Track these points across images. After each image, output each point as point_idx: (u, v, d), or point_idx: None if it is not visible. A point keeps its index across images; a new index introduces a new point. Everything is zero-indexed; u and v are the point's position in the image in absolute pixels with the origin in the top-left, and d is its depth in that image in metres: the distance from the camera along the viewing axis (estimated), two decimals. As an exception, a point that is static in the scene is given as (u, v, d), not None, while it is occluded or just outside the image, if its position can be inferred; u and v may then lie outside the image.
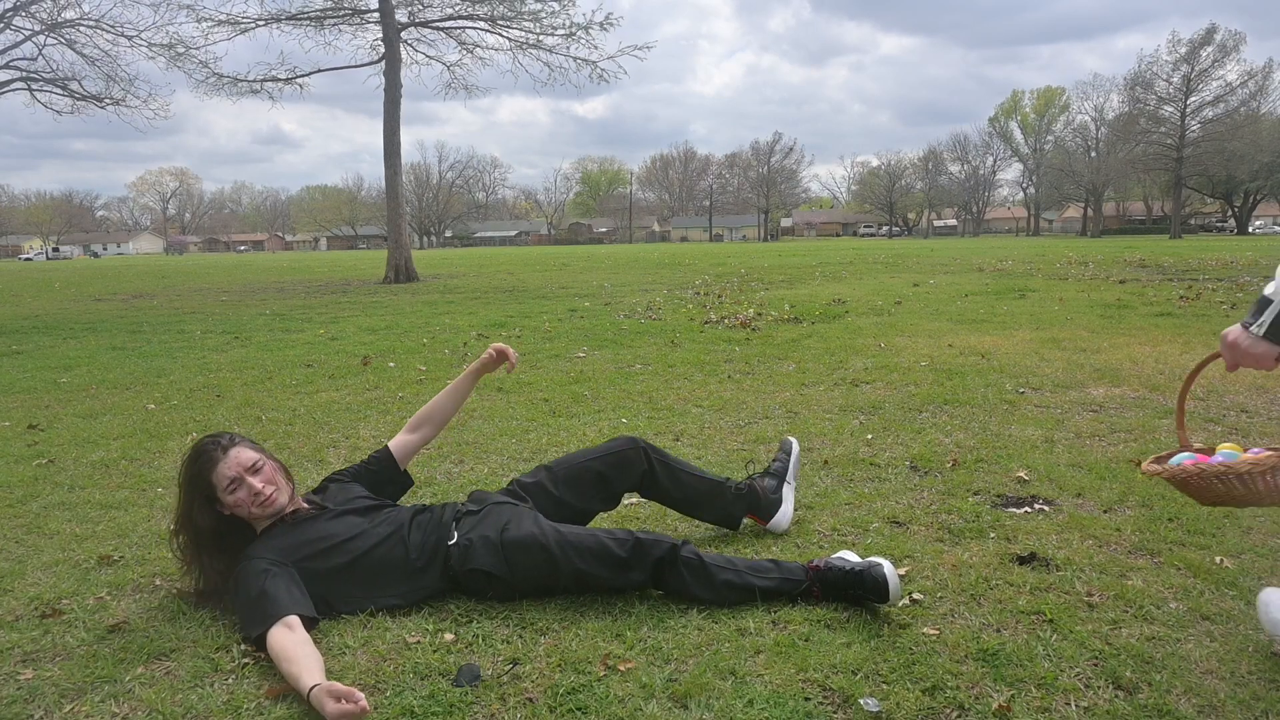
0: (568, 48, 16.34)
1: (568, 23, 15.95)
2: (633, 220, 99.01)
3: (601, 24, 15.81)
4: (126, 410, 4.62)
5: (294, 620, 1.84)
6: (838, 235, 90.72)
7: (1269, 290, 1.53)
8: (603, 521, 2.57)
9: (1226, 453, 1.73)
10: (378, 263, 22.34)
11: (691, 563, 2.00)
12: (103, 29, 15.71)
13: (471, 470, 3.25)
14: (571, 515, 2.27)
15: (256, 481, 2.06)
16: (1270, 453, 1.63)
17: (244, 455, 2.08)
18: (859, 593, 1.96)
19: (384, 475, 2.41)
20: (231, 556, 2.07)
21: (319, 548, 2.04)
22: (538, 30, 16.24)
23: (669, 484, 2.39)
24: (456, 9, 16.37)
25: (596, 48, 16.57)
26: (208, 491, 2.06)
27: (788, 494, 2.51)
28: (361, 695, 1.54)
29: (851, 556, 2.08)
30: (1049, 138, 78.28)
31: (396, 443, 2.46)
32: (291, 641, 1.77)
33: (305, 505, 2.18)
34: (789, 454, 2.59)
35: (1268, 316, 1.53)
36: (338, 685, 1.58)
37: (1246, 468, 1.59)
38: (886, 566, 1.93)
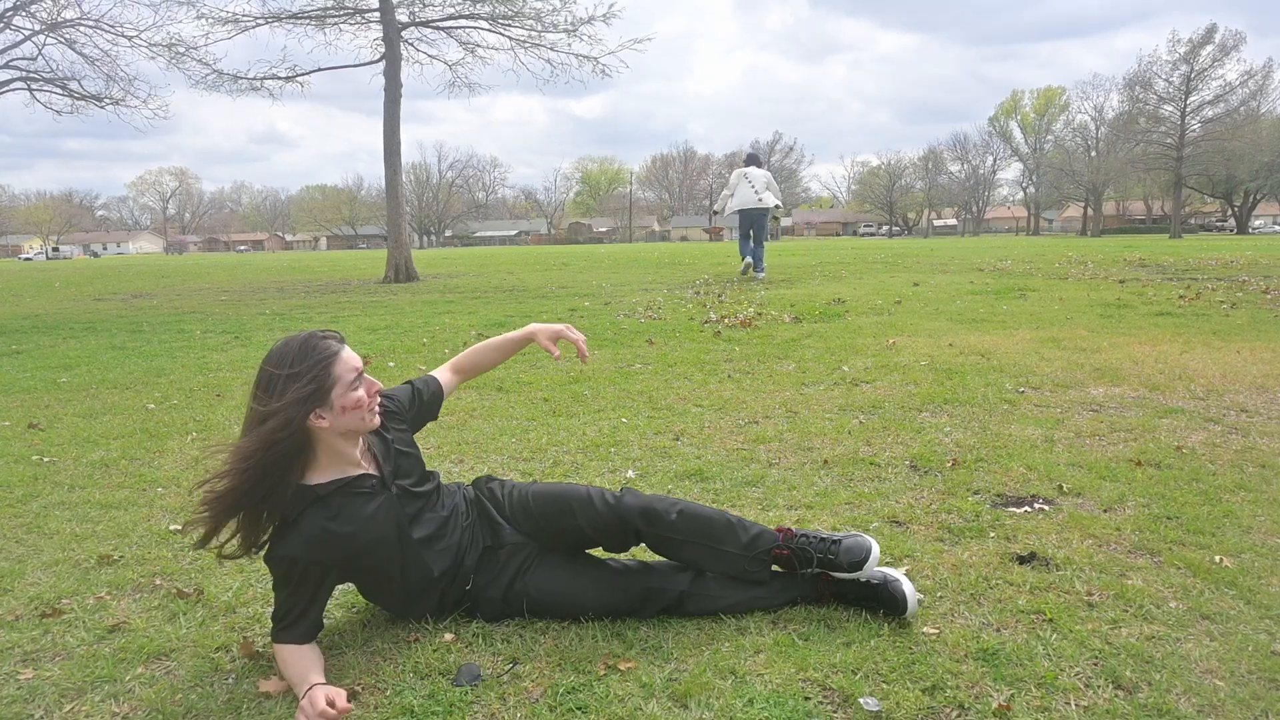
0: (569, 44, 16.32)
1: (569, 18, 15.90)
2: (633, 220, 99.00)
3: (604, 17, 15.76)
4: (126, 410, 4.62)
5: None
6: (838, 235, 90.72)
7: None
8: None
9: None
10: (378, 262, 22.35)
11: (701, 598, 1.96)
12: (102, 29, 15.70)
13: (471, 470, 3.25)
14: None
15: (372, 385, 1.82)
16: None
17: (355, 357, 1.81)
18: (873, 605, 1.95)
19: (426, 411, 2.16)
20: (281, 502, 1.77)
21: (365, 563, 1.87)
22: (539, 28, 16.22)
23: (664, 553, 2.03)
24: (457, 9, 16.36)
25: (600, 41, 16.53)
26: (321, 386, 1.71)
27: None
28: (349, 708, 1.58)
29: None
30: (1049, 137, 78.32)
31: (446, 380, 2.23)
32: (306, 654, 1.77)
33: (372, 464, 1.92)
34: (857, 566, 1.93)
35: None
36: (333, 690, 1.62)
37: None
38: (906, 584, 1.91)
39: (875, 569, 1.96)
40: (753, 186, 10.98)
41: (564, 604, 1.96)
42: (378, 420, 1.86)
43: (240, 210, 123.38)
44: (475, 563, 2.00)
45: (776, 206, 11.36)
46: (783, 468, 3.13)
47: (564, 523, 1.99)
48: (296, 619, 1.79)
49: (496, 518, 2.05)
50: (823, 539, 1.98)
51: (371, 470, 1.90)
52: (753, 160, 11.62)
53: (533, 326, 2.30)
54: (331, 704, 1.56)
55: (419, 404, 2.13)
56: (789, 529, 2.03)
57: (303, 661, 1.74)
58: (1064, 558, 2.24)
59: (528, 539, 2.03)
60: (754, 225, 11.25)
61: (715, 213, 12.00)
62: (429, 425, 2.28)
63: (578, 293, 11.12)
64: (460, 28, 16.71)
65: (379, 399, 1.89)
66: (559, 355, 2.28)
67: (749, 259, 11.40)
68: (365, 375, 1.81)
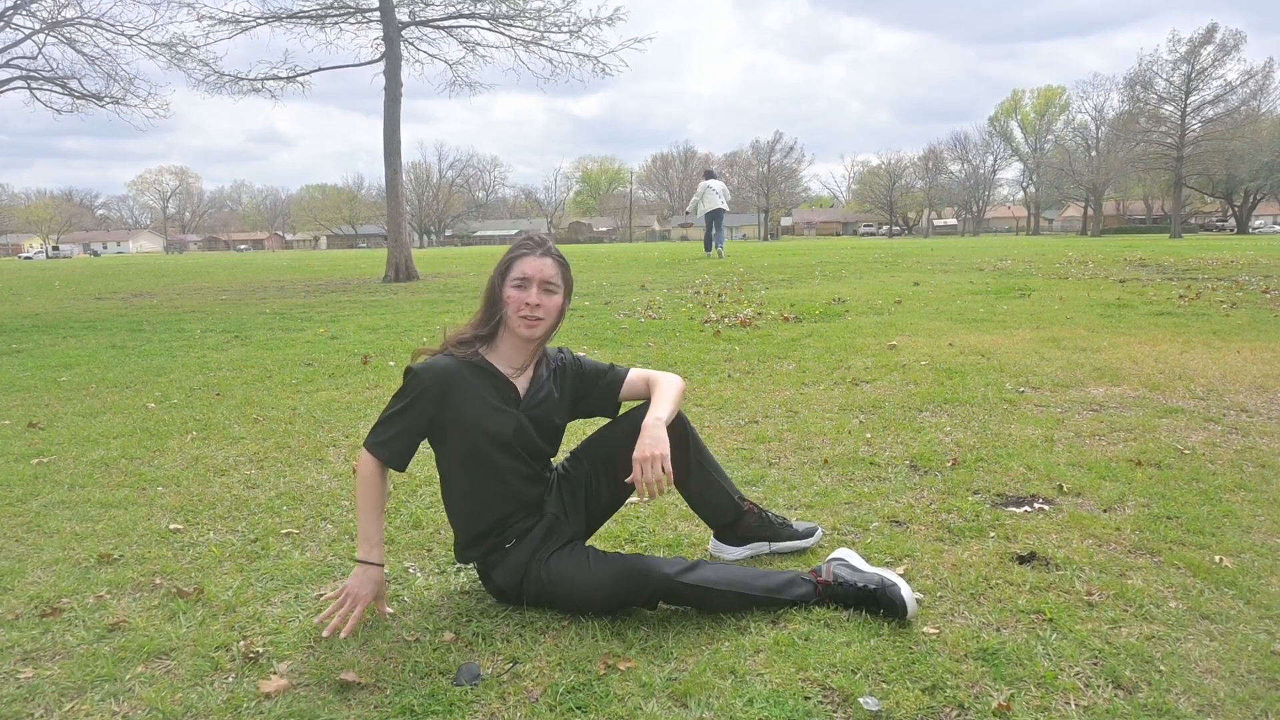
0: (570, 43, 16.29)
1: (573, 19, 15.85)
2: (633, 219, 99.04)
3: (609, 19, 15.71)
4: (126, 409, 4.62)
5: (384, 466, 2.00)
6: (838, 234, 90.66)
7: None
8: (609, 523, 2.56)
9: None
10: (378, 261, 22.33)
11: (700, 589, 1.95)
12: (103, 27, 15.68)
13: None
14: (602, 505, 2.22)
15: (536, 295, 1.98)
16: None
17: (547, 269, 2.02)
18: (872, 608, 1.95)
19: (598, 391, 2.20)
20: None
21: (463, 438, 2.00)
22: (540, 29, 16.18)
23: (679, 476, 2.16)
24: (458, 8, 16.33)
25: (603, 42, 16.48)
26: (504, 271, 2.05)
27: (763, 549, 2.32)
28: (354, 620, 1.90)
29: (854, 559, 2.07)
30: (1049, 137, 78.17)
31: (633, 381, 2.21)
32: (377, 488, 1.99)
33: (540, 378, 2.11)
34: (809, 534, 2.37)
35: None
36: (360, 604, 1.93)
37: None
38: (904, 590, 1.91)
39: (872, 570, 2.00)
40: (716, 194, 15.97)
41: (568, 582, 1.97)
42: (531, 333, 2.02)
43: (240, 209, 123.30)
44: (522, 529, 2.07)
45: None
46: (783, 467, 3.13)
47: (608, 429, 2.21)
48: (391, 438, 1.98)
49: (548, 495, 2.18)
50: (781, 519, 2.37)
51: (522, 393, 2.08)
52: (709, 175, 16.71)
53: (654, 425, 2.01)
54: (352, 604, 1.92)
55: (595, 381, 2.21)
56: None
57: (377, 509, 1.98)
58: (1064, 558, 2.25)
59: (561, 513, 2.12)
60: (717, 222, 16.36)
61: (687, 213, 17.58)
62: None
63: (577, 292, 11.10)
64: (460, 27, 16.69)
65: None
66: (632, 478, 1.95)
67: (719, 247, 16.63)
68: (535, 288, 1.99)
